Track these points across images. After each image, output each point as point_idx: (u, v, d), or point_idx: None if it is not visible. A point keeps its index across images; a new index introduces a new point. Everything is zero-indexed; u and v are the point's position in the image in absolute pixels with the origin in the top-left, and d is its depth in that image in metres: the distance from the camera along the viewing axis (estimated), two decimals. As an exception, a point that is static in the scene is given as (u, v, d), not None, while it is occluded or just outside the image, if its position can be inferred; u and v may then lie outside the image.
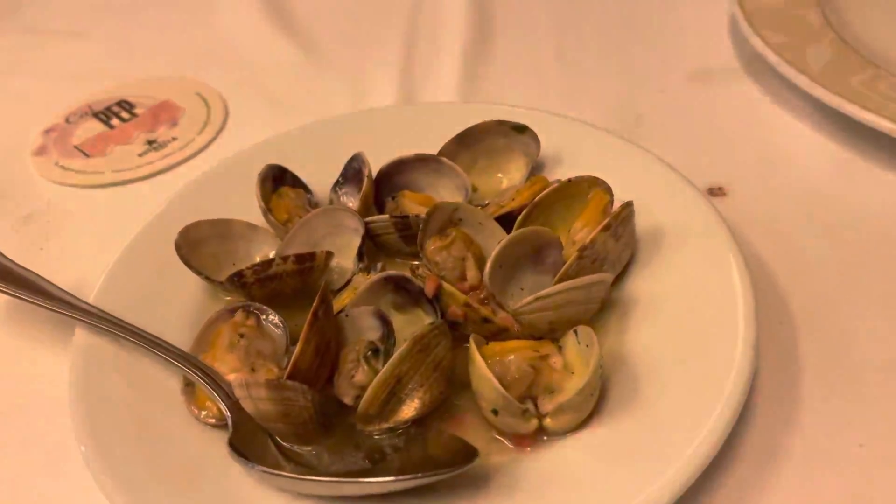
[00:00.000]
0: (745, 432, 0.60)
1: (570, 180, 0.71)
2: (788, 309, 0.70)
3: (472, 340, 0.60)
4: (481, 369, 0.57)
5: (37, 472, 0.64)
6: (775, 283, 0.72)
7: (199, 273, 0.70)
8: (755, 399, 0.62)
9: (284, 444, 0.59)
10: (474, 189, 0.78)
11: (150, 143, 0.99)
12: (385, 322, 0.62)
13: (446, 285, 0.63)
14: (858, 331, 0.67)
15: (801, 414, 0.62)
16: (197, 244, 0.72)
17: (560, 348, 0.62)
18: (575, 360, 0.61)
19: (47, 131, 1.04)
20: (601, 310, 0.67)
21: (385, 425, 0.58)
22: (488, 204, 0.77)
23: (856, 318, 0.68)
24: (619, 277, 0.69)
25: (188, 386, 0.63)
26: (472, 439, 0.58)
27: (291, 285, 0.69)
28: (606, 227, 0.65)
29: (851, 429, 0.61)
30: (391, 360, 0.56)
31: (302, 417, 0.56)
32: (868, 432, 0.60)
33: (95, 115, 1.06)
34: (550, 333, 0.64)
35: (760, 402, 0.62)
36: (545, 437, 0.59)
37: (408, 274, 0.65)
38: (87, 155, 0.99)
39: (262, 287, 0.68)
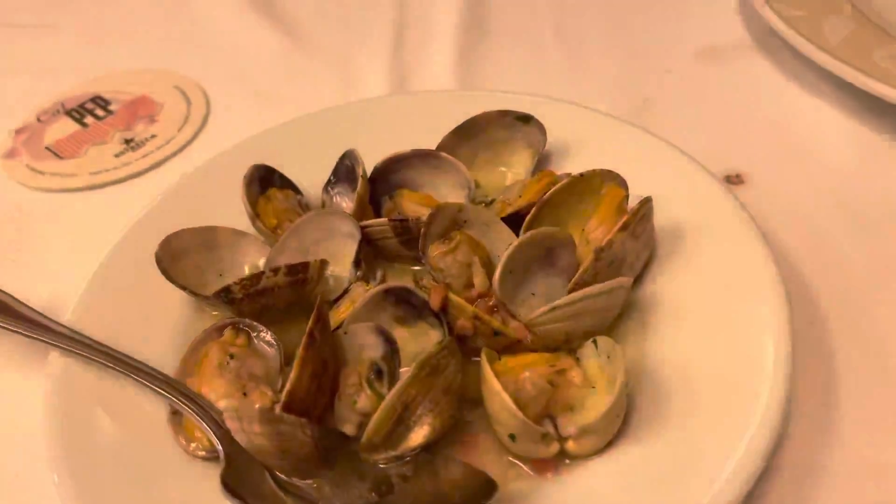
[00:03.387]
0: (784, 445, 0.56)
1: (581, 175, 0.66)
2: (819, 307, 0.65)
3: (483, 357, 0.55)
4: (497, 394, 0.52)
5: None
6: (803, 279, 0.67)
7: (182, 288, 0.64)
8: (790, 409, 0.58)
9: (282, 476, 0.54)
10: (476, 185, 0.73)
11: (127, 141, 0.93)
12: (388, 340, 0.57)
13: (453, 297, 0.58)
14: (894, 328, 0.62)
15: (841, 424, 0.57)
16: (179, 255, 0.67)
17: (578, 360, 0.57)
18: (595, 374, 0.56)
19: (17, 132, 0.98)
20: (619, 314, 0.61)
21: (392, 454, 0.53)
22: (493, 201, 0.71)
23: (889, 314, 0.63)
24: (638, 278, 0.64)
25: (175, 415, 0.58)
26: (487, 464, 0.54)
27: (284, 299, 0.64)
28: (624, 227, 0.60)
29: (894, 437, 0.56)
30: (397, 387, 0.51)
31: (301, 452, 0.51)
32: (915, 442, 0.56)
33: (68, 112, 0.99)
34: (566, 344, 0.59)
35: (796, 412, 0.58)
36: (567, 461, 0.54)
37: (410, 285, 0.60)
38: (60, 157, 0.93)
39: (251, 302, 0.62)
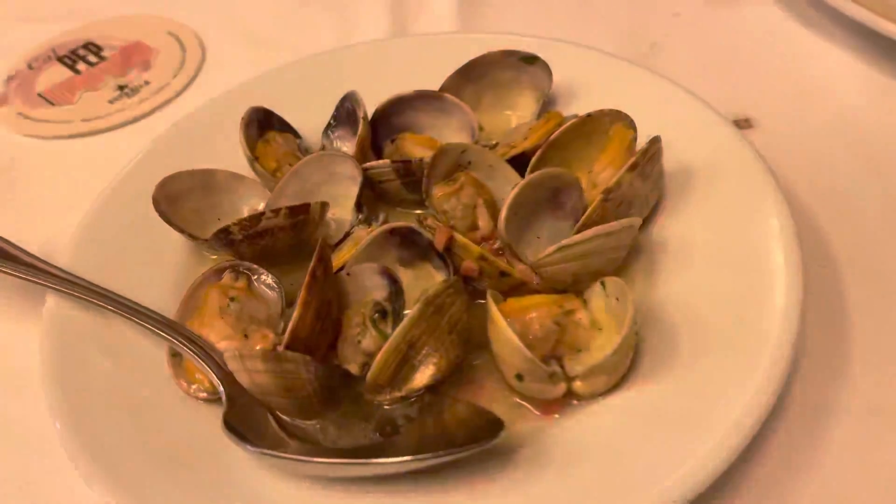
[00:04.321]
0: (793, 386, 0.55)
1: (588, 115, 0.64)
2: (830, 248, 0.64)
3: (489, 297, 0.54)
4: (503, 331, 0.50)
5: (7, 453, 0.59)
6: (813, 221, 0.66)
7: (180, 230, 0.63)
8: (799, 352, 0.57)
9: (285, 417, 0.53)
10: (481, 128, 0.71)
11: (120, 88, 0.91)
12: (392, 280, 0.55)
13: (459, 237, 0.56)
14: (908, 272, 0.62)
15: (851, 365, 0.56)
16: (177, 198, 0.65)
17: (585, 302, 0.56)
18: (602, 315, 0.55)
19: (8, 79, 0.95)
20: (627, 257, 0.60)
21: (397, 394, 0.52)
22: (497, 144, 0.70)
23: (904, 258, 0.63)
24: (646, 221, 0.63)
25: (175, 357, 0.57)
26: (493, 406, 0.53)
27: (284, 241, 0.62)
28: (633, 167, 0.59)
29: (907, 380, 0.55)
30: (402, 325, 0.50)
31: (304, 391, 0.50)
32: (925, 383, 0.55)
33: (60, 59, 0.97)
34: (574, 286, 0.58)
35: (807, 354, 0.57)
36: (574, 402, 0.53)
37: (414, 225, 0.58)
38: (52, 103, 0.90)
39: (251, 244, 0.61)
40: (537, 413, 0.53)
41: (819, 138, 0.73)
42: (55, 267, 0.61)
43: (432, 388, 0.53)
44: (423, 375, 0.52)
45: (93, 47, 0.98)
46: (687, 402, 0.50)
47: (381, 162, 0.65)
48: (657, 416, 0.50)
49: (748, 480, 0.51)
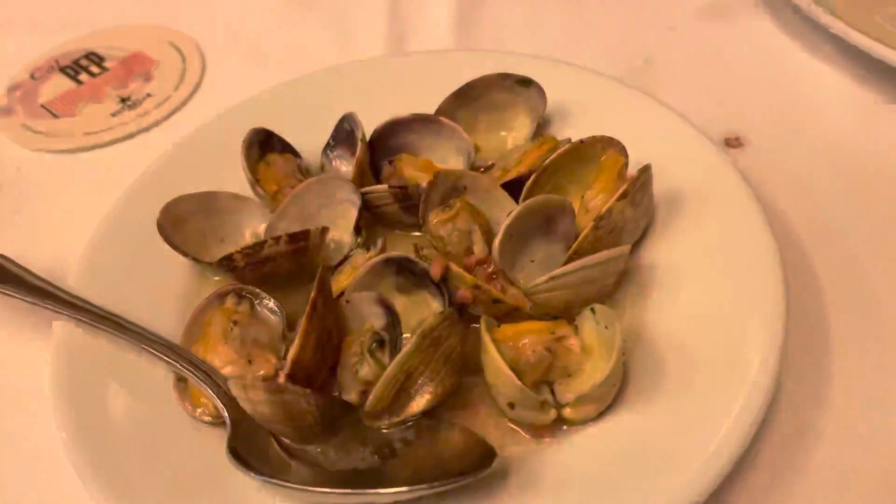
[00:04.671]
0: (775, 412, 0.57)
1: (581, 141, 0.66)
2: (814, 273, 0.66)
3: (483, 325, 0.56)
4: (495, 361, 0.53)
5: (16, 468, 0.61)
6: (799, 246, 0.68)
7: (185, 254, 0.65)
8: (783, 376, 0.58)
9: (287, 441, 0.55)
10: (477, 149, 0.72)
11: (123, 100, 0.92)
12: (389, 310, 0.57)
13: (454, 267, 0.58)
14: (890, 298, 0.63)
15: (832, 391, 0.59)
16: (181, 221, 0.67)
17: (576, 328, 0.58)
18: (593, 341, 0.57)
19: (11, 89, 0.96)
20: (617, 282, 0.62)
21: (394, 420, 0.55)
22: (493, 166, 0.72)
23: (886, 283, 0.64)
24: (636, 245, 0.65)
25: (181, 381, 0.59)
26: (486, 429, 0.56)
27: (285, 266, 0.64)
28: (624, 195, 0.60)
29: (885, 405, 0.57)
30: (399, 357, 0.52)
31: (305, 420, 0.52)
32: (903, 408, 0.57)
33: (62, 69, 0.98)
34: (566, 312, 0.60)
35: (789, 381, 0.59)
36: (564, 427, 0.55)
37: (411, 254, 0.60)
38: (55, 115, 0.92)
39: (253, 270, 0.63)
40: (529, 437, 0.55)
41: (807, 160, 0.75)
42: (62, 291, 0.63)
43: (429, 413, 0.55)
44: (420, 402, 0.54)
45: (94, 57, 0.99)
46: (670, 429, 0.52)
47: (379, 187, 0.66)
48: (642, 442, 0.53)
49: (732, 501, 0.53)
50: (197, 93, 0.93)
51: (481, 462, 0.49)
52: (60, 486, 0.57)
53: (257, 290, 0.62)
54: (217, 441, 0.55)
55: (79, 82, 0.96)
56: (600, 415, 0.55)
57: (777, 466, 0.55)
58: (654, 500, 0.49)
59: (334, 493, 0.50)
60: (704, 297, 0.60)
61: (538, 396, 0.53)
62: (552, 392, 0.56)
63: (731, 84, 0.84)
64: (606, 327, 0.56)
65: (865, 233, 0.68)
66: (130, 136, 0.89)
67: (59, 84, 0.96)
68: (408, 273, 0.60)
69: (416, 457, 0.53)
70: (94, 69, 0.98)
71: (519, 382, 0.52)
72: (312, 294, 0.55)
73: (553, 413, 0.54)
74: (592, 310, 0.57)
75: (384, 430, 0.55)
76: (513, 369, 0.53)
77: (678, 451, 0.51)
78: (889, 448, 0.55)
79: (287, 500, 0.52)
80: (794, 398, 0.58)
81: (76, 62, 0.99)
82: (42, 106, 0.93)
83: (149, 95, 0.93)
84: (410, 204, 0.66)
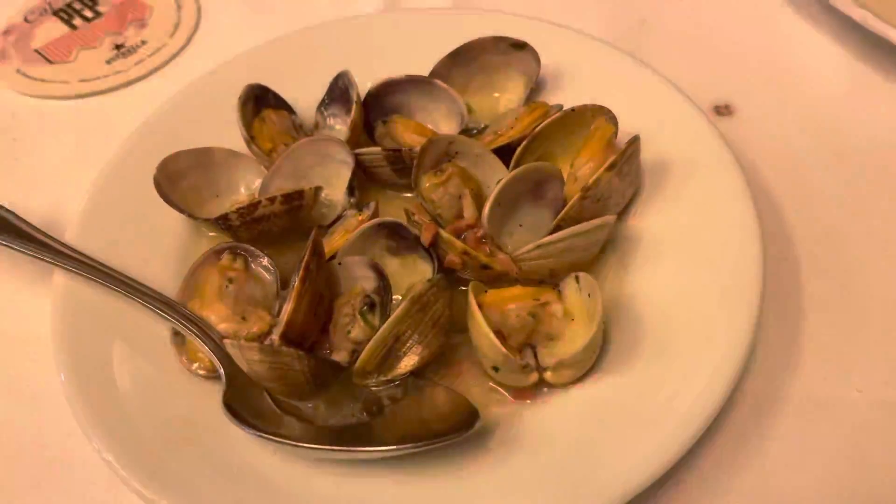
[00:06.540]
0: (747, 377, 0.60)
1: (573, 109, 0.67)
2: (792, 243, 0.68)
3: (470, 291, 0.58)
4: (481, 327, 0.55)
5: (19, 411, 0.64)
6: (780, 215, 0.70)
7: (181, 211, 0.66)
8: (757, 342, 0.61)
9: (280, 397, 0.58)
10: (469, 110, 0.73)
11: (117, 47, 0.92)
12: (380, 274, 0.59)
13: (443, 233, 0.60)
14: (864, 269, 0.66)
15: (803, 358, 0.61)
16: (176, 177, 0.68)
17: (560, 294, 0.60)
18: (575, 307, 0.59)
19: (5, 32, 0.96)
20: (602, 249, 0.64)
21: (383, 378, 0.57)
22: (485, 129, 0.72)
23: (862, 255, 0.67)
24: (622, 213, 0.66)
25: (177, 336, 0.61)
26: (470, 389, 0.58)
27: (279, 225, 0.66)
28: (611, 166, 0.62)
29: (851, 374, 0.60)
30: (389, 321, 0.54)
31: (297, 380, 0.55)
32: (868, 378, 0.60)
33: (56, 13, 0.97)
34: (550, 278, 0.62)
35: (762, 347, 0.61)
36: (545, 389, 0.58)
37: (402, 220, 0.62)
38: (50, 61, 0.92)
39: (248, 229, 0.65)
40: (511, 398, 0.58)
41: (794, 128, 0.76)
42: (62, 244, 0.64)
43: (416, 372, 0.57)
44: (407, 363, 0.56)
45: (88, 1, 0.98)
46: (644, 393, 0.55)
47: (372, 149, 0.67)
48: (619, 405, 0.55)
49: (700, 464, 0.57)
50: (192, 41, 0.93)
51: (465, 422, 0.52)
52: (60, 429, 0.60)
53: (252, 249, 0.64)
54: (212, 393, 0.57)
55: (73, 27, 0.96)
56: (579, 379, 0.57)
57: (746, 430, 0.58)
58: (629, 459, 0.52)
59: (325, 449, 0.52)
60: (684, 266, 0.62)
61: (520, 361, 0.56)
62: (534, 355, 0.58)
63: (725, 50, 0.84)
64: (589, 295, 0.58)
65: (844, 201, 0.70)
66: (126, 84, 0.89)
67: (53, 28, 0.96)
68: (399, 237, 0.62)
69: (402, 415, 0.56)
70: (88, 13, 0.97)
71: (503, 349, 0.54)
72: (306, 257, 0.56)
73: (534, 376, 0.57)
74: (577, 278, 0.59)
75: (373, 388, 0.58)
76: (497, 333, 0.56)
77: (653, 413, 0.54)
78: (852, 415, 0.58)
79: (280, 453, 0.54)
80: (766, 365, 0.61)
81: (69, 5, 0.98)
82: (36, 51, 0.93)
83: (144, 42, 0.92)
84: (403, 167, 0.67)
